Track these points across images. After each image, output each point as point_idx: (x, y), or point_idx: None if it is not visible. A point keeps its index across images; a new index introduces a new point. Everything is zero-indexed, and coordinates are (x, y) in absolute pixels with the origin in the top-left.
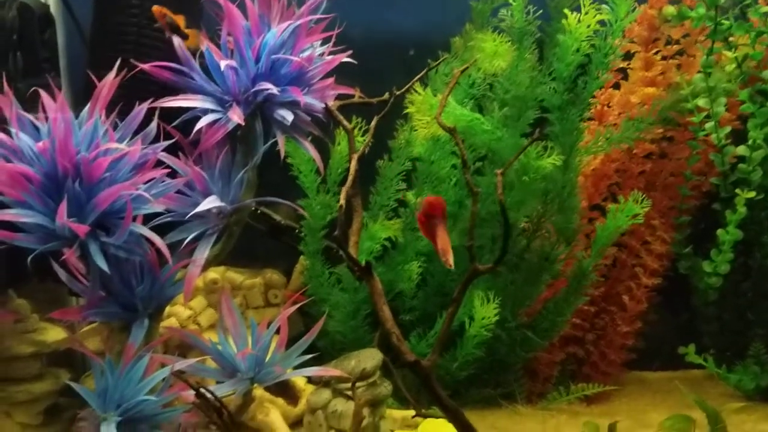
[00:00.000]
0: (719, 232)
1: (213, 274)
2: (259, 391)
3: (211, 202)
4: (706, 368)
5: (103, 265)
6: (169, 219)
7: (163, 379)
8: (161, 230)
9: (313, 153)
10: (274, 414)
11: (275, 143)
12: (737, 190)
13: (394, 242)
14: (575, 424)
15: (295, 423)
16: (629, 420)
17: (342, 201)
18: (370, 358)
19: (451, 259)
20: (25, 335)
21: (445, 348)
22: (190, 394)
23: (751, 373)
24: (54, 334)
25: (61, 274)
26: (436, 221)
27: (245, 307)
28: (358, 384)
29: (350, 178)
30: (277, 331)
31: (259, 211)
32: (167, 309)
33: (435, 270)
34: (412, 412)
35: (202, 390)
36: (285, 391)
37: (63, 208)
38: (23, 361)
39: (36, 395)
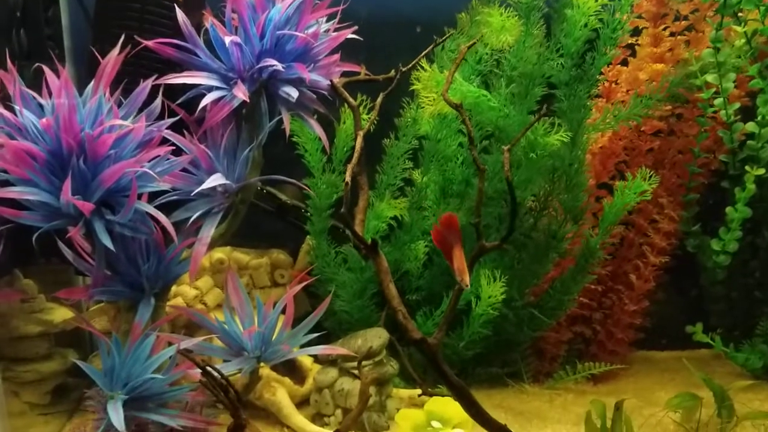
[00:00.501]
0: (728, 209)
1: (219, 254)
2: (265, 371)
3: (215, 180)
4: (714, 347)
5: (108, 243)
6: (174, 198)
7: (170, 357)
8: (167, 209)
9: (319, 131)
10: (280, 393)
11: (281, 121)
12: (746, 167)
13: (400, 221)
14: (582, 403)
15: (302, 402)
16: (636, 398)
17: (347, 178)
18: (376, 337)
19: (467, 279)
20: (32, 315)
21: (452, 327)
22: (197, 372)
23: (759, 352)
24: (61, 314)
25: (67, 253)
26: (452, 239)
27: (252, 287)
28: (364, 363)
29: (355, 155)
30: (284, 311)
31: (264, 191)
32: (173, 289)
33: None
34: (419, 391)
35: (209, 368)
36: (292, 370)
37: (67, 185)
38: (31, 340)
39: (44, 375)
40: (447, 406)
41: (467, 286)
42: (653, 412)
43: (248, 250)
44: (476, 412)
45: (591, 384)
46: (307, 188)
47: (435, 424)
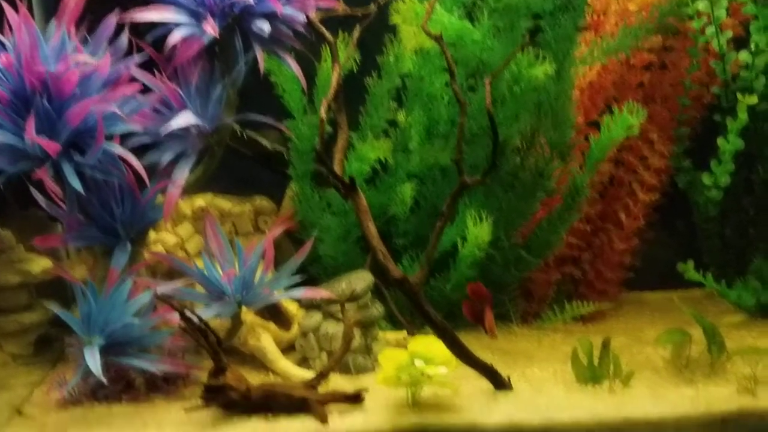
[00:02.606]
0: (719, 141)
1: (200, 201)
2: (249, 316)
3: (185, 118)
4: (706, 287)
5: (77, 186)
6: (148, 141)
7: (147, 302)
8: (142, 154)
9: (296, 69)
10: (265, 338)
11: (257, 62)
12: (738, 95)
13: (384, 164)
14: (570, 343)
15: (287, 348)
16: (625, 337)
17: (322, 113)
18: (360, 279)
19: (495, 332)
20: (11, 265)
21: (438, 270)
22: (177, 317)
23: (752, 289)
24: (41, 264)
25: (39, 198)
26: (483, 305)
27: (234, 233)
28: (348, 305)
29: (332, 89)
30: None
31: (245, 136)
32: (153, 236)
33: (428, 192)
34: (405, 334)
35: (187, 313)
36: (277, 316)
37: (31, 124)
38: (11, 291)
39: (25, 326)
40: (431, 345)
41: (495, 336)
42: (642, 350)
43: (230, 197)
44: (460, 351)
45: (580, 324)
46: (286, 130)
47: (418, 363)
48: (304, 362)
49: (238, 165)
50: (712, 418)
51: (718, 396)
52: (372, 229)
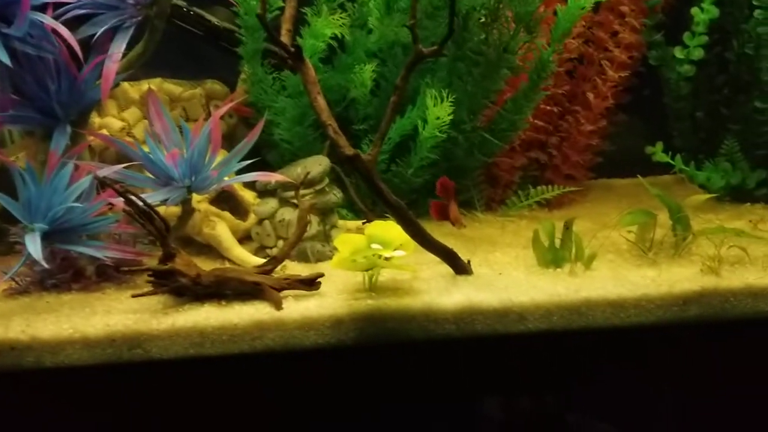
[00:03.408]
0: (693, 10)
1: (148, 85)
2: (204, 205)
3: None
4: (677, 173)
5: (5, 59)
6: (82, 12)
7: (90, 186)
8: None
9: None
10: (220, 227)
11: None
12: None
13: (341, 42)
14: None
15: (245, 238)
16: (590, 222)
17: None
18: (316, 164)
19: (462, 222)
20: None
21: (399, 154)
22: (122, 202)
23: (722, 170)
24: None
25: None
26: (448, 198)
27: (185, 119)
28: (304, 191)
29: None
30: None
31: (192, 13)
32: (98, 121)
33: (389, 73)
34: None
35: (131, 197)
36: (234, 207)
37: None
38: None
39: None
40: (388, 229)
41: (463, 227)
42: (608, 234)
43: (181, 81)
44: (415, 232)
45: (546, 210)
46: (234, 3)
47: (375, 246)
48: (261, 251)
49: (193, 49)
50: (673, 298)
51: (681, 276)
52: (321, 102)
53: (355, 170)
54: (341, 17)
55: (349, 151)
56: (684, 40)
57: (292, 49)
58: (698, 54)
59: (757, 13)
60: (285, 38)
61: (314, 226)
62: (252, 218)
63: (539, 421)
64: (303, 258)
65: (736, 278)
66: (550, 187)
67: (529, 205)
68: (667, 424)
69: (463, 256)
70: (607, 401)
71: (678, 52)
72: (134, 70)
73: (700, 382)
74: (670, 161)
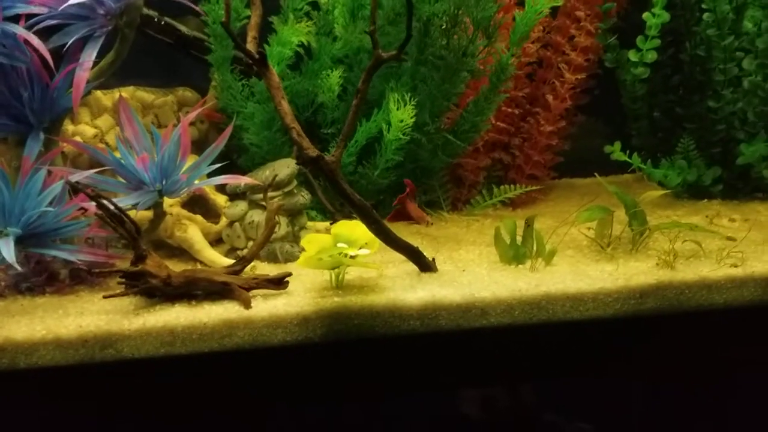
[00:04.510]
0: (645, 15)
1: (121, 93)
2: (176, 209)
3: None
4: (636, 172)
5: None
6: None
7: (62, 191)
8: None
9: None
10: (192, 230)
11: None
12: None
13: (308, 49)
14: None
15: (216, 240)
16: (552, 219)
17: None
18: (284, 166)
19: (427, 219)
20: None
21: (365, 156)
22: (93, 206)
23: (678, 168)
24: None
25: None
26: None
27: (157, 126)
28: (273, 193)
29: None
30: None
31: (163, 23)
32: (72, 128)
33: (355, 78)
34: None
35: (102, 200)
36: (206, 210)
37: None
38: None
39: None
40: (353, 228)
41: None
42: (568, 231)
43: (153, 89)
44: (380, 231)
45: (509, 209)
46: (203, 13)
47: (341, 245)
48: (232, 252)
49: (165, 58)
50: (630, 291)
51: (638, 270)
52: (285, 105)
53: (319, 171)
54: (307, 25)
55: (312, 152)
56: (637, 43)
57: (257, 56)
58: (651, 57)
59: (706, 16)
60: (251, 45)
61: (283, 227)
62: (223, 220)
63: (503, 412)
64: (272, 258)
65: (690, 271)
66: (513, 186)
67: (493, 204)
68: (626, 414)
69: (428, 254)
70: (568, 393)
71: (632, 55)
72: (107, 79)
73: (657, 373)
74: (628, 159)
